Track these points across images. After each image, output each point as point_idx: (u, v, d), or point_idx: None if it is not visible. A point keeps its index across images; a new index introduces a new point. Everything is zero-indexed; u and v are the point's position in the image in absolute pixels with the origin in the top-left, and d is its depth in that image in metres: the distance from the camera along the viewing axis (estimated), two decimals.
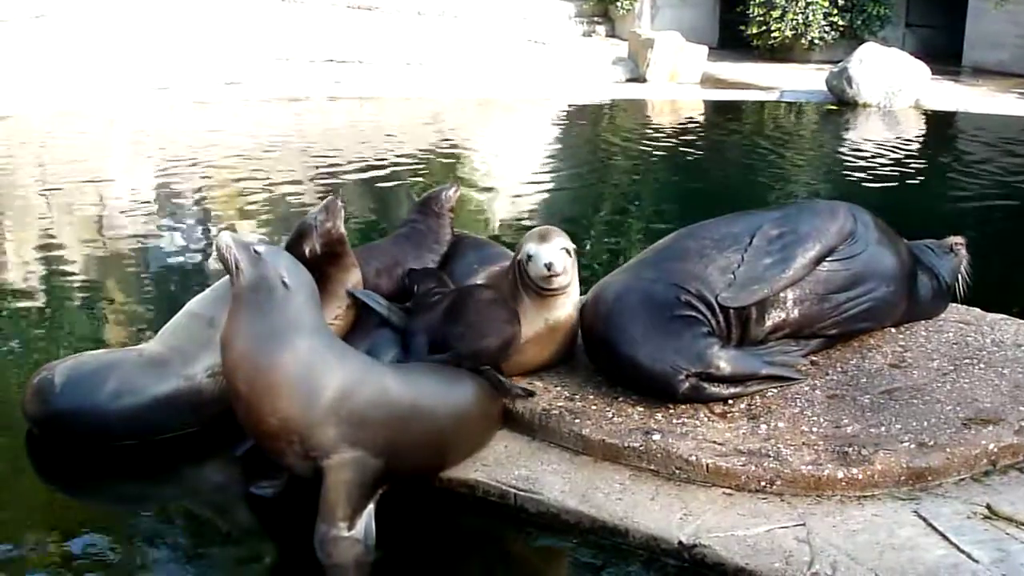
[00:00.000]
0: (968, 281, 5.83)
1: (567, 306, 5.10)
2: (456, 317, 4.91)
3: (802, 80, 18.49)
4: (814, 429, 4.64)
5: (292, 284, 4.18)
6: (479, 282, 5.38)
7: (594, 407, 4.88)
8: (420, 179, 11.41)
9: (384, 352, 4.95)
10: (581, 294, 5.33)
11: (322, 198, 9.98)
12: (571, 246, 5.01)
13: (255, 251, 4.21)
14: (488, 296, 5.00)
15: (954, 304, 5.91)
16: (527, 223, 9.40)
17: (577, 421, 4.77)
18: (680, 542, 4.12)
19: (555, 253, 4.88)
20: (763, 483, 4.37)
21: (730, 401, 4.86)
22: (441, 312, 4.98)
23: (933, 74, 17.19)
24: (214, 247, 4.33)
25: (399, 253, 5.62)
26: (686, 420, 4.74)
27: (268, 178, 11.00)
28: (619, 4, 22.46)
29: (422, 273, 5.39)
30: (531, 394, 4.93)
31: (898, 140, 14.36)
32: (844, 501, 4.29)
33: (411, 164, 12.10)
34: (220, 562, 4.32)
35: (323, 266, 4.98)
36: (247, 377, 4.13)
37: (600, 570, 4.14)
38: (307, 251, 4.96)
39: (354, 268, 5.21)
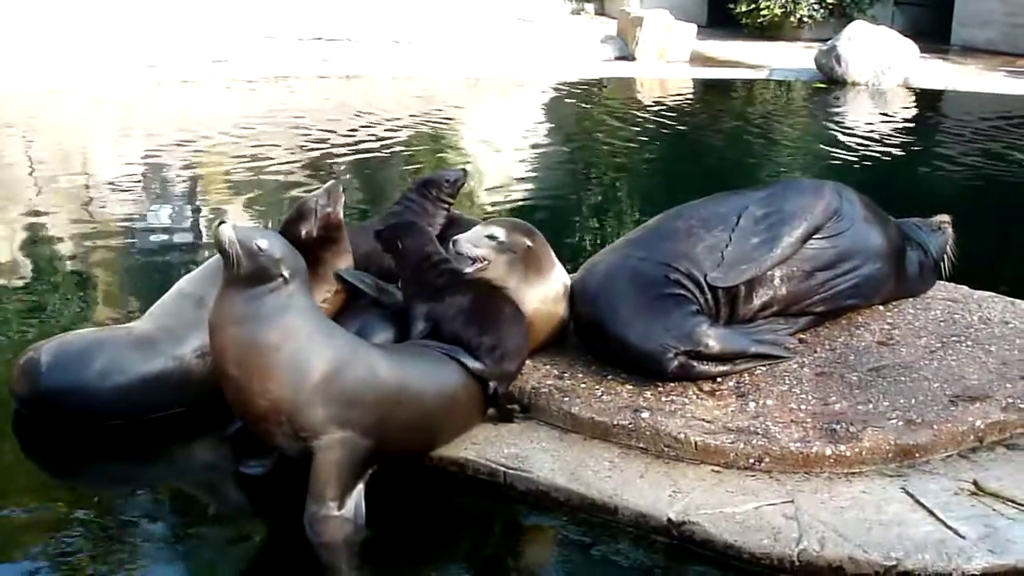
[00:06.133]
0: (954, 259, 5.86)
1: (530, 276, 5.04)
2: (482, 326, 4.68)
3: (791, 58, 18.43)
4: (802, 407, 4.65)
5: (290, 276, 4.17)
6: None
7: (583, 385, 4.89)
8: (410, 160, 11.38)
9: (374, 333, 4.92)
10: (570, 273, 5.32)
11: (310, 176, 10.11)
12: (497, 233, 4.97)
13: (257, 246, 4.11)
14: (513, 310, 4.83)
15: (942, 282, 5.93)
16: (516, 203, 9.39)
17: (566, 399, 4.78)
18: (669, 519, 4.13)
19: (468, 239, 4.95)
20: (752, 460, 4.39)
21: (719, 379, 4.87)
22: (458, 309, 4.75)
23: (922, 52, 17.18)
24: (213, 238, 4.24)
25: None
26: (675, 398, 4.75)
27: (256, 157, 10.94)
28: None
29: (411, 230, 5.11)
30: (526, 409, 4.87)
31: (886, 118, 14.35)
32: (832, 478, 4.31)
33: (400, 143, 12.05)
34: (210, 541, 4.31)
35: (317, 249, 4.96)
36: (237, 359, 4.12)
37: (589, 547, 4.15)
38: (303, 233, 4.95)
39: (347, 254, 5.19)
